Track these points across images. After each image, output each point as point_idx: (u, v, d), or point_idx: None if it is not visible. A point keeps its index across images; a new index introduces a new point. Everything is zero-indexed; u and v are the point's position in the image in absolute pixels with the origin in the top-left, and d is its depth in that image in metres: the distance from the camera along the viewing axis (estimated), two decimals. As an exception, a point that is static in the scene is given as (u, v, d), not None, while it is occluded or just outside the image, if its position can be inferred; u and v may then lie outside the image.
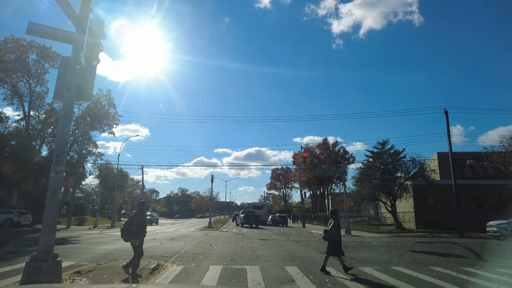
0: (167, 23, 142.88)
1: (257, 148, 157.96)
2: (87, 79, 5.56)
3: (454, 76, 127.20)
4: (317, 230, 29.65)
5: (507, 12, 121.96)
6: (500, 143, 26.85)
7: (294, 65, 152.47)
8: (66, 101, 5.24)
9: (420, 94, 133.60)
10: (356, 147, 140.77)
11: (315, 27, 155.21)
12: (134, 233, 6.88)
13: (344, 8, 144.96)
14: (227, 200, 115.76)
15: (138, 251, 6.90)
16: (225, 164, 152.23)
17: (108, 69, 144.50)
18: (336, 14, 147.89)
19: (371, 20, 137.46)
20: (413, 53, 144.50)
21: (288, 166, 76.59)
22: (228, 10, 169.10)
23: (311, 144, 61.20)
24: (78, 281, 6.33)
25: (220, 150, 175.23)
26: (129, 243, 7.08)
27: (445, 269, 8.41)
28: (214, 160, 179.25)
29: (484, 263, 10.10)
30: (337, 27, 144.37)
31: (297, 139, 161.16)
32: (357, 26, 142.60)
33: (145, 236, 7.10)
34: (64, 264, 8.32)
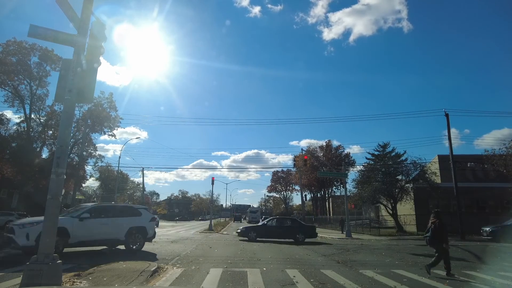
0: (169, 26, 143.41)
1: (255, 151, 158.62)
2: (88, 82, 5.57)
3: (447, 80, 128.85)
4: (318, 233, 29.50)
5: (498, 15, 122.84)
6: (503, 145, 26.90)
7: (292, 69, 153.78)
8: (67, 104, 5.25)
9: (414, 97, 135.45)
10: (353, 150, 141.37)
11: (306, 34, 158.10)
12: (439, 239, 8.26)
13: (333, 17, 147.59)
14: (228, 202, 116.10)
15: (445, 252, 8.10)
16: (224, 167, 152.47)
17: (109, 72, 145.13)
18: (326, 22, 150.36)
19: (361, 27, 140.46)
20: (406, 58, 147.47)
21: (289, 168, 76.64)
22: (227, 14, 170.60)
23: (312, 146, 61.18)
24: (78, 283, 6.31)
25: (219, 153, 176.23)
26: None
27: (446, 272, 8.37)
28: (214, 163, 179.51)
29: (485, 266, 10.07)
30: (327, 34, 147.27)
31: (294, 142, 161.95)
32: (347, 33, 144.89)
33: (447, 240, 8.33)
34: (63, 267, 8.32)
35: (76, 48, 5.40)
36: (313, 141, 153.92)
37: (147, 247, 14.17)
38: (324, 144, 59.03)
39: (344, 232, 25.87)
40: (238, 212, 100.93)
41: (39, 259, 4.64)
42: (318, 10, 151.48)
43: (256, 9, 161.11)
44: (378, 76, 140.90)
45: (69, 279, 6.54)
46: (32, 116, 32.68)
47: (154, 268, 8.08)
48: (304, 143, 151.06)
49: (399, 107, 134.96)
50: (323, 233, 27.42)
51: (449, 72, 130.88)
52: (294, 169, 60.63)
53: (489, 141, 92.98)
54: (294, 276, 7.52)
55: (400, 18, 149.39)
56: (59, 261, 4.90)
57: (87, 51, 5.62)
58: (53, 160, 5.19)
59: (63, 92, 5.21)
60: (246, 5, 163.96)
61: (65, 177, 5.37)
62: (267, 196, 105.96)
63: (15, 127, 32.80)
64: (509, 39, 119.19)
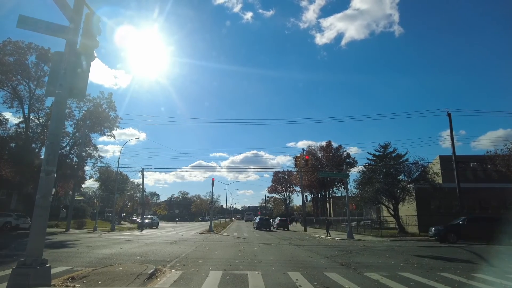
0: (169, 27, 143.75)
1: (254, 152, 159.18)
2: (81, 76, 5.31)
3: (440, 81, 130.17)
4: (319, 234, 29.27)
5: (488, 18, 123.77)
6: (504, 146, 26.67)
7: (289, 71, 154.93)
8: (58, 98, 4.97)
9: (408, 98, 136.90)
10: (351, 151, 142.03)
11: (299, 38, 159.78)
12: None
13: (325, 22, 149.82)
14: (228, 203, 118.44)
15: None
16: (224, 168, 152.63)
17: (109, 74, 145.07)
18: (318, 27, 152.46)
19: (353, 32, 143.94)
20: (399, 60, 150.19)
21: (289, 169, 76.46)
22: (223, 19, 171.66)
23: (313, 147, 60.83)
24: (71, 287, 6.04)
25: (217, 154, 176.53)
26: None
27: (454, 275, 8.08)
28: (213, 164, 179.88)
29: (493, 268, 9.78)
30: (320, 39, 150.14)
31: (291, 144, 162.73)
32: (339, 38, 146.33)
33: None
34: (58, 269, 8.06)
35: (68, 40, 5.14)
36: (310, 143, 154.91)
37: (146, 248, 13.92)
38: (325, 144, 58.64)
39: (329, 235, 25.73)
40: (238, 213, 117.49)
41: (26, 262, 4.37)
42: (310, 15, 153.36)
43: (248, 15, 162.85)
44: (372, 78, 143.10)
45: (62, 283, 6.27)
46: (31, 116, 32.50)
47: (151, 270, 7.80)
48: (302, 144, 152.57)
49: (393, 108, 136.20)
50: (323, 234, 27.16)
51: (442, 74, 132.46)
52: (295, 170, 60.41)
53: (485, 142, 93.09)
54: (296, 279, 7.24)
55: (391, 22, 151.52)
56: (48, 265, 4.62)
57: (80, 44, 5.35)
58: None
59: (54, 87, 4.94)
60: (238, 11, 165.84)
61: (55, 175, 5.10)
62: (268, 197, 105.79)
63: (14, 127, 32.59)
64: (500, 41, 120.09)
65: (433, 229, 21.36)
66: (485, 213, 28.65)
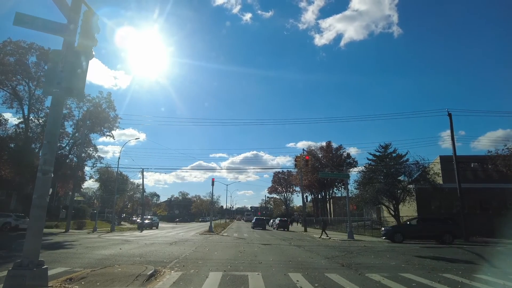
0: (169, 28, 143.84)
1: (254, 152, 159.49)
2: (79, 75, 5.23)
3: (438, 82, 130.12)
4: (319, 234, 29.12)
5: (485, 20, 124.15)
6: (504, 145, 26.63)
7: (288, 72, 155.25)
8: (56, 97, 4.91)
9: (405, 99, 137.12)
10: (351, 151, 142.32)
11: (298, 39, 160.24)
12: None
13: (324, 23, 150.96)
14: (228, 204, 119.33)
15: None
16: (224, 168, 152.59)
17: (109, 74, 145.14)
18: (317, 28, 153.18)
19: (352, 33, 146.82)
20: (397, 61, 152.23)
21: (289, 169, 76.49)
22: (223, 21, 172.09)
23: (313, 147, 60.74)
24: (69, 289, 5.96)
25: (217, 155, 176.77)
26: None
27: (456, 276, 8.00)
28: (213, 164, 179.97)
29: (496, 269, 9.69)
30: (319, 40, 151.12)
31: (291, 144, 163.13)
32: (338, 38, 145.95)
33: None
34: (56, 271, 7.98)
35: (66, 38, 5.07)
36: (310, 143, 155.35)
37: (145, 249, 13.84)
38: (325, 145, 58.58)
39: (324, 236, 25.59)
40: (239, 214, 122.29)
41: (23, 264, 4.30)
42: (309, 16, 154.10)
43: (247, 16, 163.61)
44: (371, 79, 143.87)
45: (60, 284, 6.18)
46: (31, 117, 32.44)
47: (150, 272, 7.73)
48: (301, 144, 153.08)
49: (393, 109, 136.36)
50: (324, 235, 27.05)
51: (441, 75, 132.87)
52: (295, 170, 60.34)
53: (485, 142, 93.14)
54: (297, 281, 7.17)
55: (390, 23, 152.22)
56: (45, 266, 4.55)
57: (79, 42, 5.29)
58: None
59: (52, 85, 4.87)
60: (237, 12, 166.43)
61: (53, 175, 5.03)
62: (268, 197, 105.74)
63: (13, 128, 32.54)
64: (499, 42, 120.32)
65: (383, 229, 22.58)
66: (485, 214, 28.60)
